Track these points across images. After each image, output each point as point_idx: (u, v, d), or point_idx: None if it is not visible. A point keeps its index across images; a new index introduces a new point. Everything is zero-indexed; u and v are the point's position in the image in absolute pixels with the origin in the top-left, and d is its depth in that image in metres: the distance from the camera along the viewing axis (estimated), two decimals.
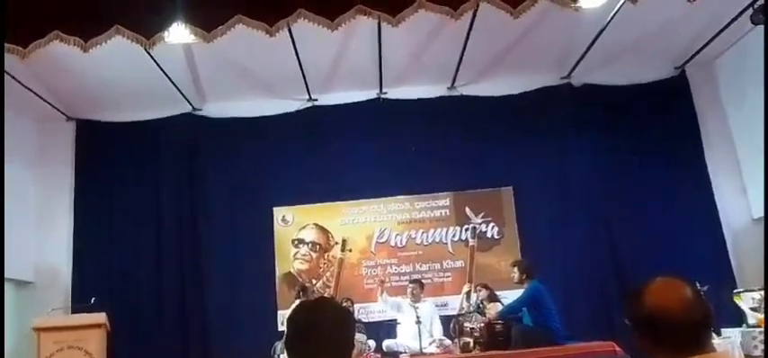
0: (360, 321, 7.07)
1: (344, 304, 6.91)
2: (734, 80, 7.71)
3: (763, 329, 6.22)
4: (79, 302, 7.02)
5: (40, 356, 6.00)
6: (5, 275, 6.96)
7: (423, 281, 7.46)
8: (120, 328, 6.67)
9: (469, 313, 6.65)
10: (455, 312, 7.08)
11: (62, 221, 7.92)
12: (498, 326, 6.20)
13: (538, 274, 6.45)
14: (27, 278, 7.62)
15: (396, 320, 7.12)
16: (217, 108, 8.29)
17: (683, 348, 1.59)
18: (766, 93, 5.88)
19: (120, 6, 5.16)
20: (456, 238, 8.01)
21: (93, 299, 6.50)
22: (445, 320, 7.19)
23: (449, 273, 7.93)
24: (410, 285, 7.20)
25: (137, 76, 7.15)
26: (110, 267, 7.78)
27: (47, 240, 7.85)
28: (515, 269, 6.56)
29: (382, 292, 7.18)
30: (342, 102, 8.17)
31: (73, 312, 7.05)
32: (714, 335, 6.11)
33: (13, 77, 6.52)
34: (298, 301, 6.77)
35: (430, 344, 6.83)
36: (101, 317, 6.21)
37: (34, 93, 7.21)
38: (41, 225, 7.87)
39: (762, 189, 6.49)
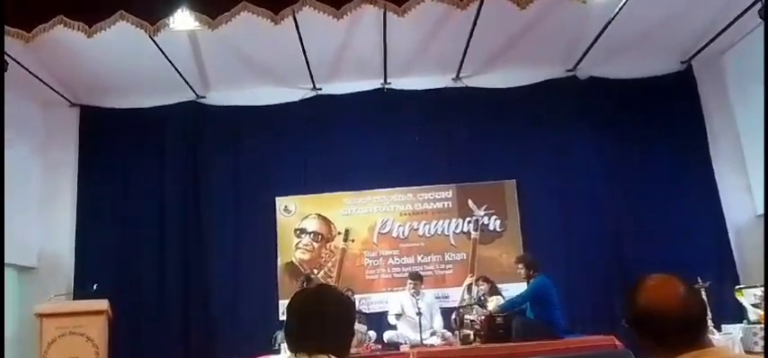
0: (361, 312, 7.06)
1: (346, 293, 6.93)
2: (740, 75, 7.67)
3: (763, 326, 6.21)
4: (81, 288, 7.04)
5: (42, 342, 6.03)
6: (8, 261, 7.00)
7: (422, 273, 7.44)
8: (121, 315, 6.69)
9: (470, 305, 6.65)
10: (456, 304, 7.08)
11: (65, 207, 7.92)
12: (499, 319, 6.22)
13: (542, 269, 6.44)
14: (30, 263, 7.64)
15: (397, 313, 7.11)
16: (220, 96, 8.27)
17: (679, 344, 1.60)
18: (766, 91, 5.84)
19: None
20: (458, 231, 7.99)
21: (95, 285, 6.51)
22: (446, 312, 7.19)
23: (450, 266, 7.92)
24: (409, 280, 7.18)
25: (141, 62, 7.14)
26: (112, 254, 7.77)
27: (50, 226, 7.86)
28: (521, 265, 6.53)
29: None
30: (346, 91, 8.15)
31: (75, 298, 7.06)
32: (715, 330, 6.14)
33: (18, 62, 6.51)
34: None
35: (430, 335, 6.84)
36: (103, 304, 6.24)
37: (38, 78, 7.20)
38: (44, 210, 7.88)
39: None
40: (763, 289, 6.36)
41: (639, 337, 1.67)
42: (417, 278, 7.16)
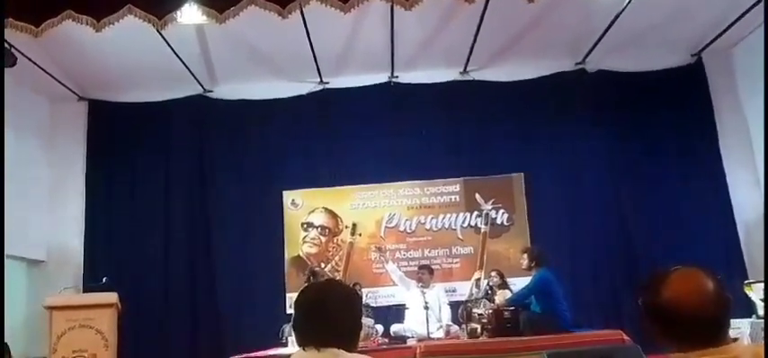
0: (368, 306, 7.07)
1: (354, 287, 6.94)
2: (751, 69, 7.59)
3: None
4: (91, 281, 7.08)
5: (52, 334, 6.06)
6: (17, 254, 7.06)
7: (432, 266, 7.44)
8: (130, 308, 6.72)
9: (478, 299, 6.64)
10: (464, 298, 7.08)
11: (74, 200, 7.98)
12: (507, 313, 6.17)
13: (548, 262, 6.40)
14: (39, 257, 7.70)
15: (404, 305, 7.12)
16: (228, 90, 8.28)
17: (698, 341, 1.56)
18: (766, 90, 5.79)
19: None
20: (465, 224, 7.98)
21: (104, 278, 6.55)
22: (453, 306, 7.18)
23: (458, 259, 7.92)
24: (419, 271, 7.19)
25: (148, 56, 7.16)
26: (120, 247, 7.84)
27: (59, 219, 7.92)
28: (525, 256, 6.52)
29: (387, 261, 7.38)
30: (353, 85, 8.15)
31: (85, 291, 7.11)
32: None
33: (26, 56, 6.54)
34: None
35: (438, 329, 6.83)
36: (112, 297, 6.26)
37: (46, 72, 7.23)
38: (54, 204, 7.94)
39: None
40: None
41: (653, 328, 1.64)
42: (427, 269, 7.16)
